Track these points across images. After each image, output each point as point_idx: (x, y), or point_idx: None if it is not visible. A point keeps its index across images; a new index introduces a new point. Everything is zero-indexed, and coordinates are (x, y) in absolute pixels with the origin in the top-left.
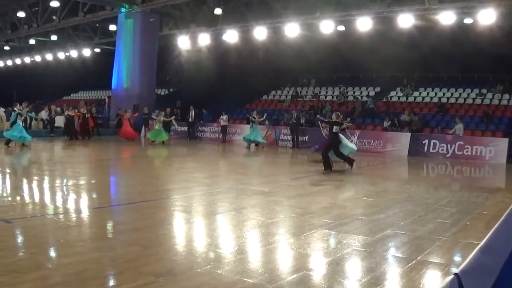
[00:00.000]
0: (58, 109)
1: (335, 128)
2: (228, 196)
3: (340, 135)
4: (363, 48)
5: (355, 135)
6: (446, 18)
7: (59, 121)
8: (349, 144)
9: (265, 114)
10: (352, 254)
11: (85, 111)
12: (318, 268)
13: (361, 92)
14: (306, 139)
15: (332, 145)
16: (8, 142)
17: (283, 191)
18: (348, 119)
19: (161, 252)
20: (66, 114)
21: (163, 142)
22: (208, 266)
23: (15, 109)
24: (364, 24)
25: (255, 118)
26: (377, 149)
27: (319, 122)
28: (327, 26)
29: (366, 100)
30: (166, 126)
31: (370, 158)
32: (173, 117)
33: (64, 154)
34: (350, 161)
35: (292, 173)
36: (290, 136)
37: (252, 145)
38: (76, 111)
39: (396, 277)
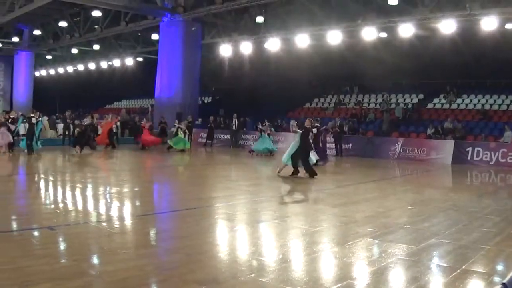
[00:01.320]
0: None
1: (310, 135)
2: (272, 204)
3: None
4: (406, 54)
5: (398, 143)
6: (488, 23)
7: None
8: (312, 154)
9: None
10: (396, 263)
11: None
12: (362, 277)
13: (404, 100)
14: (350, 147)
15: (305, 151)
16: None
17: (327, 199)
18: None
19: (205, 260)
20: (84, 122)
21: (182, 150)
22: (252, 275)
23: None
24: (406, 30)
25: (264, 127)
26: (421, 157)
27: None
28: (369, 33)
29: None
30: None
31: (414, 166)
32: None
33: (107, 162)
34: (313, 174)
35: (336, 181)
36: (334, 144)
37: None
38: (109, 120)
39: (440, 286)
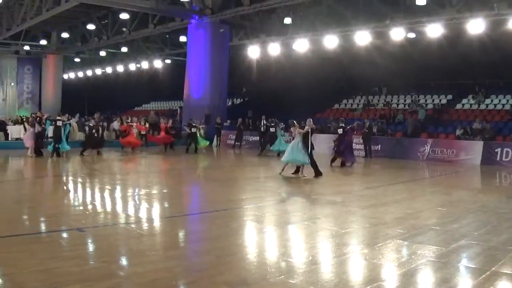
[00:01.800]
0: (135, 119)
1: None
2: (301, 206)
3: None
4: (434, 55)
5: (427, 144)
6: None
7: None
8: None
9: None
10: (426, 265)
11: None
12: (392, 279)
13: (433, 100)
14: (379, 148)
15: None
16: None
17: (357, 201)
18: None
19: (234, 262)
20: (115, 126)
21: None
22: (282, 276)
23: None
24: (434, 30)
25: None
26: (450, 158)
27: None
28: (397, 34)
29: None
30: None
31: (443, 167)
32: (203, 125)
33: (135, 164)
34: (297, 172)
35: (365, 183)
36: (363, 145)
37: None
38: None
39: None
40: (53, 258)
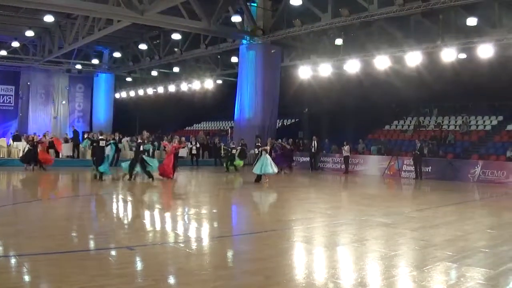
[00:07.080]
0: (183, 139)
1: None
2: (351, 227)
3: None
4: (485, 75)
5: (478, 166)
6: None
7: (182, 151)
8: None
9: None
10: (474, 287)
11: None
12: None
13: (483, 121)
14: (429, 170)
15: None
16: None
17: (407, 223)
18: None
19: (283, 283)
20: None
21: (236, 169)
22: None
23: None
24: (486, 51)
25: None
26: (500, 180)
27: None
28: (449, 54)
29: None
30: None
31: (493, 189)
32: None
33: (185, 183)
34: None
35: (415, 205)
36: (413, 167)
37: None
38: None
39: None
40: (103, 276)
